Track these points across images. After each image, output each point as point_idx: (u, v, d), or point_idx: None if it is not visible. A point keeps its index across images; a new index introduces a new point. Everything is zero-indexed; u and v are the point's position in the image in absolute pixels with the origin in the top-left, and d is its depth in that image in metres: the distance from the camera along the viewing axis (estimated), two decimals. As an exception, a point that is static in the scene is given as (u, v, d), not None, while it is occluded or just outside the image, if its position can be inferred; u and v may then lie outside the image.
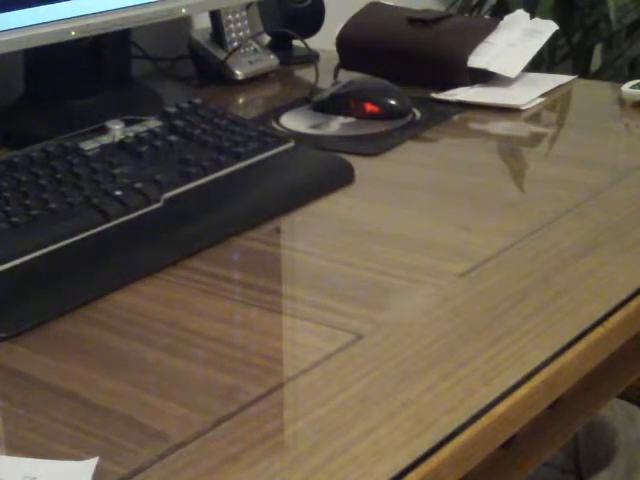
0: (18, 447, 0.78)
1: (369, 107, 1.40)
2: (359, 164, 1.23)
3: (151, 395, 0.84)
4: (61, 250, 1.02)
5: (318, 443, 0.76)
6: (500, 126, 1.43)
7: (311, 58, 1.62)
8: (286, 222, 1.13)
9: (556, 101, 1.52)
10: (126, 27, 1.37)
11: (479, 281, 0.98)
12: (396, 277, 1.00)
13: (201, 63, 1.61)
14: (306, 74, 1.63)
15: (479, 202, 1.16)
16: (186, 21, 1.68)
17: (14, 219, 1.03)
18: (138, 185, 1.10)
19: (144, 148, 1.19)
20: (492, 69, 1.52)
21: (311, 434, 0.77)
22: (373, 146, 1.32)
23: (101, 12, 1.32)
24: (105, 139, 1.21)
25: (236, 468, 0.74)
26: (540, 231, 1.07)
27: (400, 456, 0.76)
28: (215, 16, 1.60)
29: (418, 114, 1.43)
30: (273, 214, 1.13)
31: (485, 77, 1.53)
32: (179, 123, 1.25)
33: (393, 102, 1.41)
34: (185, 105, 1.29)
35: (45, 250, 1.01)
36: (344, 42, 1.61)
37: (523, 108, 1.45)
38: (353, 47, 1.60)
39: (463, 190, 1.19)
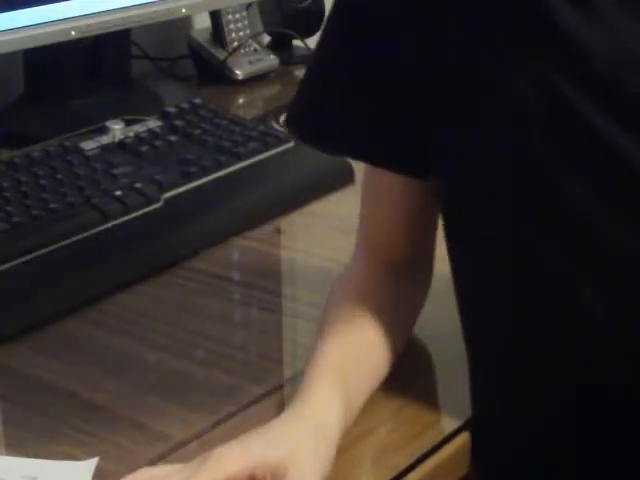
0: (18, 447, 0.78)
1: (369, 107, 1.39)
2: (359, 164, 1.22)
3: (151, 395, 0.84)
4: (61, 250, 1.02)
5: (318, 443, 0.76)
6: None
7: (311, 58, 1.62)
8: (286, 222, 1.13)
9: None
10: (126, 27, 1.37)
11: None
12: (396, 277, 0.99)
13: (201, 63, 1.61)
14: (306, 74, 1.63)
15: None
16: (186, 21, 1.68)
17: (14, 219, 1.03)
18: (138, 185, 1.10)
19: (144, 148, 1.19)
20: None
21: (311, 434, 0.77)
22: (373, 146, 1.32)
23: (101, 12, 1.32)
24: (105, 139, 1.21)
25: (236, 468, 0.74)
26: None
27: (400, 456, 0.76)
28: (215, 16, 1.59)
29: (418, 114, 1.42)
30: (273, 214, 1.13)
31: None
32: (179, 123, 1.25)
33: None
34: (185, 105, 1.29)
35: (45, 250, 1.01)
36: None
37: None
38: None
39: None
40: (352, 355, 0.79)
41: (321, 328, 0.82)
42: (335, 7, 0.82)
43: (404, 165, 0.81)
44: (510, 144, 0.72)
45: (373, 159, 0.83)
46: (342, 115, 0.82)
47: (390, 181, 0.83)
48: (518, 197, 0.72)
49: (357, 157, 0.86)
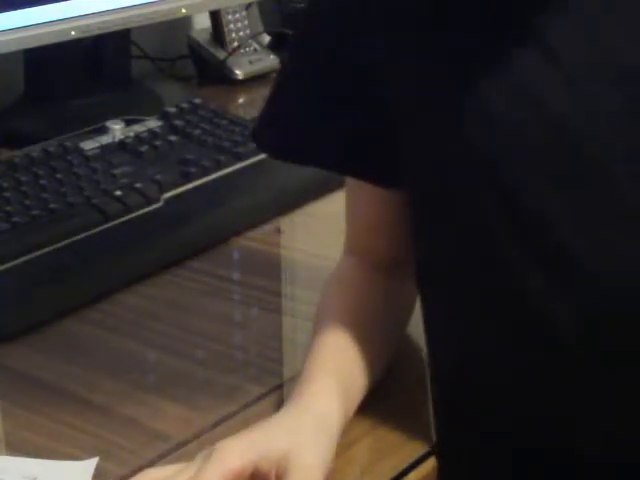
0: (18, 447, 0.78)
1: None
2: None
3: (151, 395, 0.84)
4: (61, 250, 1.02)
5: (318, 443, 0.76)
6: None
7: (311, 58, 1.62)
8: (286, 222, 1.13)
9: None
10: (126, 27, 1.37)
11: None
12: (396, 277, 0.99)
13: (201, 63, 1.61)
14: (306, 74, 1.63)
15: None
16: (186, 21, 1.68)
17: (14, 219, 1.03)
18: (138, 185, 1.10)
19: (144, 148, 1.19)
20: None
21: (311, 434, 0.77)
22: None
23: (101, 12, 1.32)
24: (105, 139, 1.21)
25: (236, 468, 0.74)
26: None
27: (400, 456, 0.76)
28: (215, 16, 1.59)
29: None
30: (273, 214, 1.13)
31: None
32: (179, 123, 1.25)
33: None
34: (185, 105, 1.29)
35: (45, 250, 1.01)
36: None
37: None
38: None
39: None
40: (349, 352, 0.79)
41: (317, 326, 0.82)
42: (304, 20, 0.82)
43: (374, 176, 0.81)
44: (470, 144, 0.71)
45: (343, 170, 0.84)
46: (310, 126, 0.82)
47: (367, 188, 0.83)
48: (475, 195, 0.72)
49: (326, 168, 0.86)
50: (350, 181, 0.86)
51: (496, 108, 0.70)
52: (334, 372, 0.77)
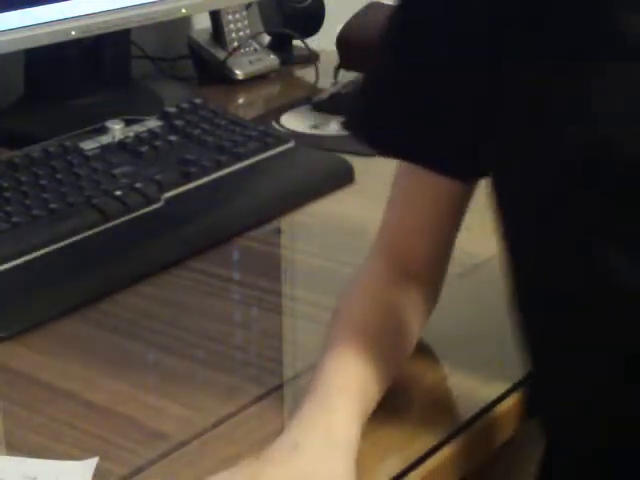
0: (18, 447, 0.78)
1: (369, 107, 1.39)
2: (359, 164, 1.23)
3: (151, 395, 0.84)
4: (61, 250, 1.02)
5: (318, 443, 0.76)
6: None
7: (311, 58, 1.62)
8: (286, 222, 1.13)
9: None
10: (126, 27, 1.37)
11: (478, 281, 0.98)
12: (396, 277, 0.99)
13: (201, 63, 1.61)
14: (306, 74, 1.63)
15: (480, 201, 1.16)
16: (186, 21, 1.68)
17: (14, 219, 1.03)
18: (138, 185, 1.10)
19: (144, 148, 1.19)
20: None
21: (311, 434, 0.77)
22: (373, 146, 1.31)
23: (101, 12, 1.32)
24: (105, 139, 1.21)
25: (236, 468, 0.74)
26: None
27: (400, 456, 0.76)
28: (215, 16, 1.60)
29: (418, 114, 1.42)
30: (273, 214, 1.13)
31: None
32: (179, 123, 1.25)
33: (393, 102, 1.40)
34: (185, 105, 1.29)
35: (45, 250, 1.01)
36: (344, 42, 1.61)
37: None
38: (353, 47, 1.60)
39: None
40: (370, 365, 0.78)
41: (335, 331, 0.81)
42: (395, 11, 0.82)
43: (453, 166, 0.81)
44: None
45: (423, 161, 0.83)
46: (397, 115, 0.82)
47: (427, 186, 0.83)
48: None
49: (412, 160, 0.85)
50: (412, 174, 0.85)
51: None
52: (357, 393, 0.75)
